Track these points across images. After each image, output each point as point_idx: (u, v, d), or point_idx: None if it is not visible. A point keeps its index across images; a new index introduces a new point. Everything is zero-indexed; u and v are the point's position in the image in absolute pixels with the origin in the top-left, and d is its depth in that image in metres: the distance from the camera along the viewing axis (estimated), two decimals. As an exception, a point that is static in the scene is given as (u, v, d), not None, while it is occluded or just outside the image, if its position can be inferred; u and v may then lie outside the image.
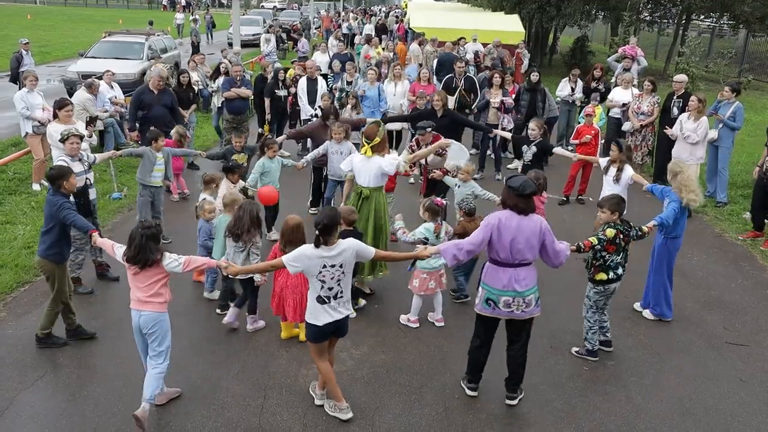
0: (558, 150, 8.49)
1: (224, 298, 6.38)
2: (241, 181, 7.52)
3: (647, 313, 6.57)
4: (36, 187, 9.68)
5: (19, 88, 13.05)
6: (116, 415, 4.82)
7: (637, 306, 6.70)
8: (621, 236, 5.45)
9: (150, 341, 4.75)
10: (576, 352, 5.84)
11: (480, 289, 4.87)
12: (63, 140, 6.43)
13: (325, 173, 8.60)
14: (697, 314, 6.68)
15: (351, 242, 4.53)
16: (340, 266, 4.47)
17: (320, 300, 4.52)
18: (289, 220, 5.57)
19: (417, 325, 6.22)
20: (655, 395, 5.28)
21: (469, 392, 5.16)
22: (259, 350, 5.74)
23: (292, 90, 11.68)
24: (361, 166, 6.61)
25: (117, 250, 4.88)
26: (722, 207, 9.87)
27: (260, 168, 7.71)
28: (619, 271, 5.55)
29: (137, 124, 9.60)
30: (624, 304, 6.70)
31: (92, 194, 6.83)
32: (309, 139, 9.81)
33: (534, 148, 8.17)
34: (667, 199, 6.20)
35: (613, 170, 7.18)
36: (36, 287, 6.80)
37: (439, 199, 6.33)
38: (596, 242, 5.37)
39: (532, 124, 8.37)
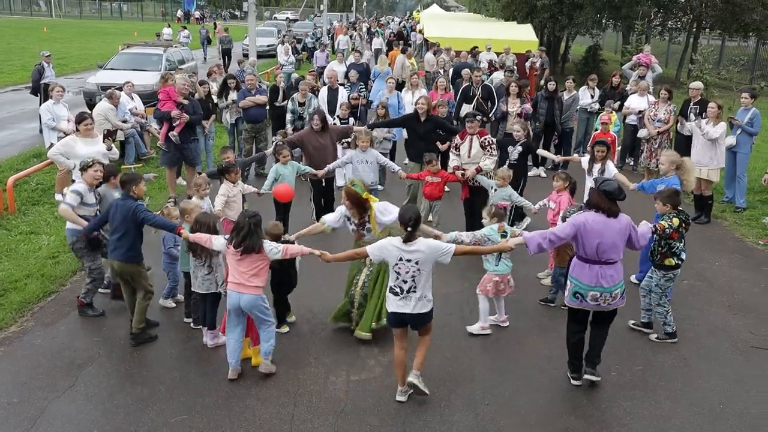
0: (540, 151, 9.09)
1: (196, 312, 6.21)
2: (247, 185, 7.57)
3: (633, 278, 7.14)
4: (59, 197, 9.77)
5: (40, 101, 13.27)
6: (147, 423, 4.85)
7: (633, 278, 7.13)
8: (683, 224, 5.89)
9: (254, 317, 5.33)
10: (656, 338, 6.16)
11: (568, 282, 5.20)
12: (84, 168, 6.24)
13: (324, 185, 8.66)
14: (721, 319, 6.65)
15: (430, 242, 4.80)
16: (416, 263, 4.72)
17: (392, 291, 4.85)
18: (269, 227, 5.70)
19: (489, 331, 6.22)
20: (684, 400, 5.27)
21: (573, 382, 5.38)
22: (287, 357, 5.75)
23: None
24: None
25: (216, 240, 5.33)
26: (741, 212, 9.84)
27: (274, 173, 7.80)
28: (683, 256, 5.97)
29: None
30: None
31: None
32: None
33: (519, 148, 8.39)
34: (663, 185, 6.64)
35: (597, 167, 7.68)
36: (62, 297, 6.87)
37: (502, 202, 6.52)
38: (666, 226, 5.79)
39: (516, 126, 8.63)
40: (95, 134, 7.89)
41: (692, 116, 10.20)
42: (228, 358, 5.40)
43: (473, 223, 7.85)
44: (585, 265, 5.02)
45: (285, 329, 6.17)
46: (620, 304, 5.16)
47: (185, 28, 30.74)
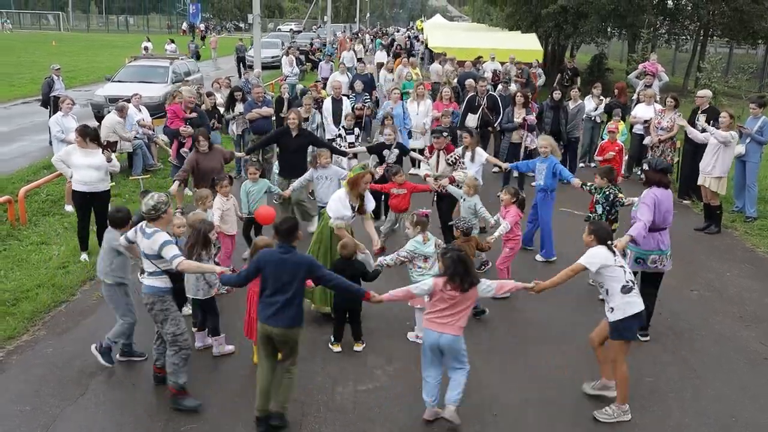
0: (413, 154, 9.75)
1: (195, 315, 6.14)
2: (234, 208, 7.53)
3: (539, 257, 8.13)
4: (69, 208, 9.83)
5: (50, 113, 13.39)
6: (157, 433, 4.88)
7: (538, 257, 8.11)
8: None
9: (449, 358, 4.86)
10: None
11: (628, 251, 6.01)
12: (156, 216, 5.01)
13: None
14: (731, 330, 6.62)
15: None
16: None
17: (626, 289, 4.87)
18: (258, 242, 5.53)
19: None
20: (694, 411, 5.24)
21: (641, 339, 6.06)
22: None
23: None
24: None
25: (416, 290, 4.80)
26: (752, 222, 9.79)
27: (244, 190, 7.74)
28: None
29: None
30: (657, 319, 6.66)
31: None
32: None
33: (396, 150, 8.88)
34: (543, 164, 7.96)
35: (468, 154, 8.48)
36: (73, 306, 6.90)
37: (423, 210, 6.47)
38: (622, 196, 7.23)
39: (387, 130, 9.02)
40: (94, 146, 7.92)
41: (699, 125, 10.17)
42: (424, 396, 4.92)
43: (443, 228, 7.90)
44: (647, 234, 5.80)
45: (360, 347, 6.12)
46: (670, 267, 6.14)
47: (172, 41, 30.04)
